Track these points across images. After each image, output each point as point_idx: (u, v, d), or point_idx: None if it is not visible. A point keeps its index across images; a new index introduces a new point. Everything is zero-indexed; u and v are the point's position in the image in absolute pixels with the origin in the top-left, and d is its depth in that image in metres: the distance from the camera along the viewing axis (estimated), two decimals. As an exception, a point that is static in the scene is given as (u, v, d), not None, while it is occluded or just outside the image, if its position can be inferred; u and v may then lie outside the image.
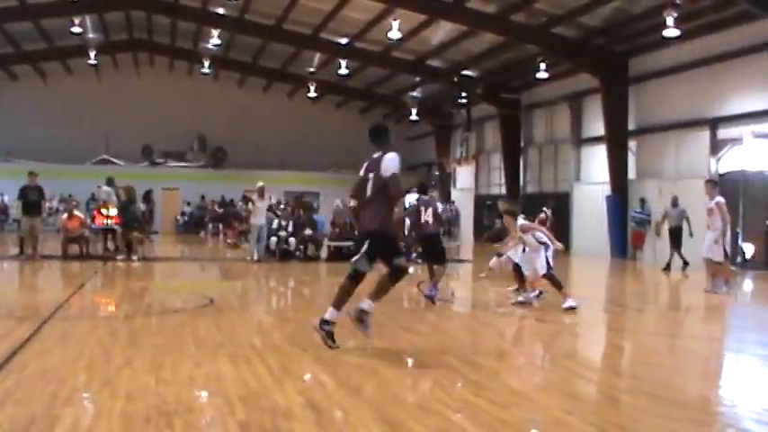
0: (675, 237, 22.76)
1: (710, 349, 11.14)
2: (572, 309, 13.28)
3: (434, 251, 15.07)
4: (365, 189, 9.27)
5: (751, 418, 6.88)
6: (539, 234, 13.99)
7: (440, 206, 15.21)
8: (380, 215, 9.25)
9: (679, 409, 7.17)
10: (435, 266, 14.74)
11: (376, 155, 9.26)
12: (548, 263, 13.80)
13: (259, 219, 23.51)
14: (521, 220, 14.25)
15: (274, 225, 24.30)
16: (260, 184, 24.13)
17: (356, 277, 9.60)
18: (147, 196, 38.58)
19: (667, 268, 22.76)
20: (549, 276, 13.87)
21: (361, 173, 9.47)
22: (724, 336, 12.67)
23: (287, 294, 17.68)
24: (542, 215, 23.04)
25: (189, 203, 44.18)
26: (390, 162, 9.02)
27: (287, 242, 24.00)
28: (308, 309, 14.06)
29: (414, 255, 21.67)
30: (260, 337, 10.52)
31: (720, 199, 16.30)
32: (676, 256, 22.98)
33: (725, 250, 16.25)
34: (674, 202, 22.71)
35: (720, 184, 23.90)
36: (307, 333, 10.86)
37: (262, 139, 44.79)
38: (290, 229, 24.29)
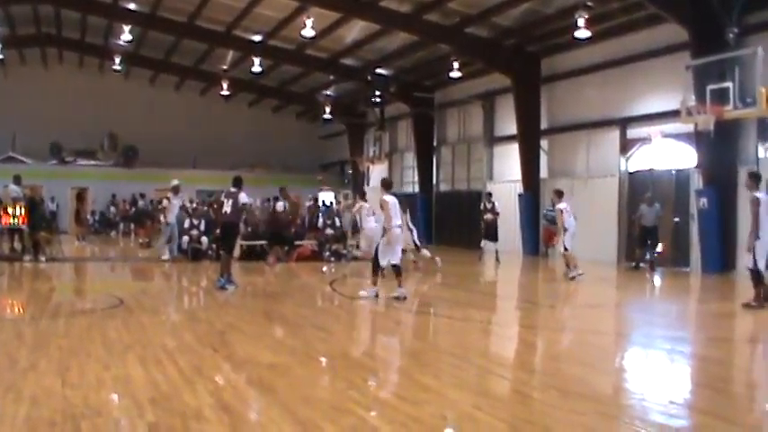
0: (650, 236, 22.78)
1: (619, 344, 11.34)
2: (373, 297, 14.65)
3: (227, 239, 16.64)
4: None
5: (658, 411, 7.02)
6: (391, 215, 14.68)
7: (244, 198, 16.05)
8: None
9: (588, 403, 7.28)
10: (223, 254, 16.81)
11: None
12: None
13: (173, 217, 23.29)
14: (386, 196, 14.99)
15: (186, 224, 23.99)
16: (175, 182, 23.89)
17: None
18: (81, 195, 37.93)
19: (651, 268, 22.83)
20: (394, 266, 14.74)
21: None
22: (632, 331, 12.90)
23: (199, 294, 17.41)
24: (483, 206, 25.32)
25: (114, 202, 43.21)
26: None
27: (199, 241, 23.73)
28: (219, 309, 13.92)
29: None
30: (171, 337, 10.36)
31: (562, 205, 19.92)
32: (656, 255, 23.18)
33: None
34: (650, 202, 22.76)
35: (629, 182, 24.53)
36: (217, 333, 10.79)
37: (174, 138, 44.02)
38: (201, 228, 24.01)
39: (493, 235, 25.17)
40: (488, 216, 25.21)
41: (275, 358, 9.07)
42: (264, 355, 9.21)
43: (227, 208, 16.34)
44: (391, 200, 14.79)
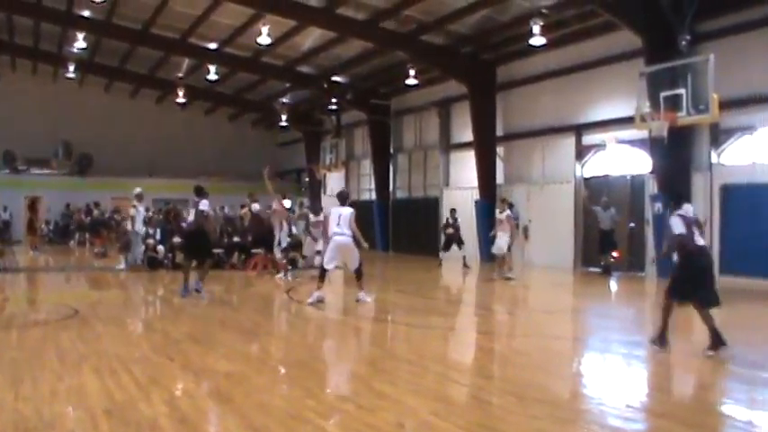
0: (607, 240, 23.04)
1: (576, 349, 11.43)
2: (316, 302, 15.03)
3: (195, 248, 16.81)
4: None
5: (615, 415, 7.08)
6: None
7: (205, 205, 16.37)
8: None
9: (545, 408, 7.33)
10: (200, 262, 16.85)
11: None
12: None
13: (139, 225, 23.10)
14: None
15: (142, 233, 23.79)
16: (138, 189, 23.69)
17: None
18: (34, 205, 37.44)
19: (606, 272, 23.07)
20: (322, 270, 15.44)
21: None
22: (589, 336, 13.01)
23: (155, 304, 17.29)
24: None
25: (69, 211, 42.65)
26: None
27: (155, 250, 23.55)
28: (175, 318, 13.84)
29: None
30: (126, 347, 10.23)
31: (509, 212, 21.86)
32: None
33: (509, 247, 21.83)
34: (605, 206, 22.92)
35: (585, 187, 24.68)
36: (174, 342, 10.71)
37: (129, 146, 43.89)
38: (157, 236, 23.85)
39: (457, 241, 25.57)
40: (450, 231, 25.59)
41: (231, 367, 9.02)
42: (221, 364, 9.16)
43: (191, 217, 16.63)
44: (333, 211, 15.55)
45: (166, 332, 11.80)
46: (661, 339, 10.28)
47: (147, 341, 10.92)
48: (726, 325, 10.13)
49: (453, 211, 26.26)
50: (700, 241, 10.30)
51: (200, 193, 16.66)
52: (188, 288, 16.22)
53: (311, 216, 23.00)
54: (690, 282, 10.18)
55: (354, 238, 15.23)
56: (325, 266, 15.29)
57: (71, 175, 44.23)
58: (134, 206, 23.39)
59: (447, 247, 25.75)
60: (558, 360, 10.36)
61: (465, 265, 25.10)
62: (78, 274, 23.90)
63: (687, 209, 13.97)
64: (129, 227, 23.52)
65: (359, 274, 15.50)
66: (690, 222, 10.32)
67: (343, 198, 15.99)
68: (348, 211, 15.33)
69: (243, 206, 25.19)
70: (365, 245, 15.87)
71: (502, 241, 21.53)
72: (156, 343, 10.74)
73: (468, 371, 9.74)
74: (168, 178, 42.56)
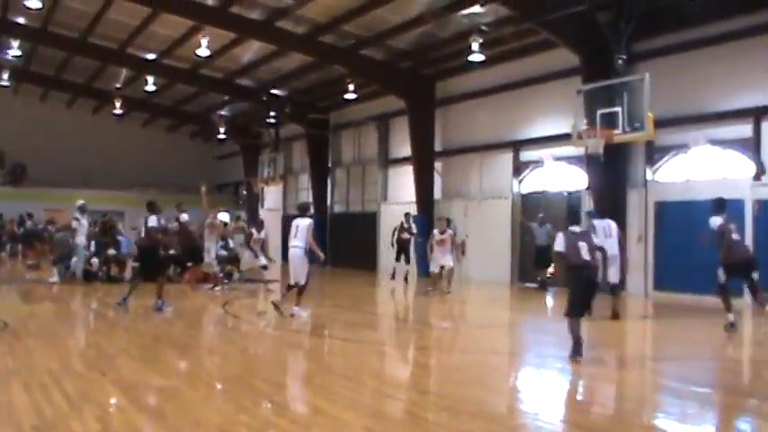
0: (543, 256, 23.01)
1: (512, 364, 11.49)
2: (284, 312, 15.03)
3: (146, 263, 16.79)
4: None
5: (550, 430, 7.14)
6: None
7: (153, 221, 16.28)
8: None
9: (480, 423, 7.34)
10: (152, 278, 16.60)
11: None
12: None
13: (82, 238, 22.76)
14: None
15: (82, 245, 23.41)
16: (80, 201, 23.35)
17: None
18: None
19: (542, 287, 23.07)
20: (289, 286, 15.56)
21: None
22: (525, 351, 13.09)
23: (89, 317, 17.01)
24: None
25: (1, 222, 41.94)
26: None
27: (90, 263, 23.21)
28: (109, 332, 13.65)
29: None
30: (58, 362, 10.03)
31: (451, 231, 22.29)
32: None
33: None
34: (541, 222, 23.08)
35: (522, 203, 24.92)
36: (107, 357, 10.57)
37: (64, 156, 43.21)
38: (92, 249, 23.51)
39: (406, 255, 25.46)
40: (405, 235, 25.43)
41: (165, 382, 8.93)
42: (154, 379, 9.05)
43: (142, 233, 16.51)
44: (293, 223, 15.61)
45: (100, 346, 11.64)
46: (577, 353, 10.57)
47: (79, 356, 10.75)
48: (658, 339, 10.27)
49: (408, 215, 26.11)
50: (586, 256, 10.83)
51: (151, 208, 16.55)
52: (127, 300, 16.02)
53: (254, 232, 23.04)
54: (581, 295, 11.04)
55: (309, 250, 15.23)
56: (291, 283, 15.34)
57: (4, 185, 43.48)
58: (76, 218, 23.05)
59: (399, 257, 25.56)
60: (494, 375, 10.41)
61: (405, 280, 25.05)
62: (9, 286, 23.42)
63: (602, 223, 14.71)
64: (70, 239, 23.19)
65: (302, 289, 15.39)
66: (576, 239, 10.92)
67: (302, 209, 16.30)
68: (306, 222, 15.31)
69: (177, 219, 25.02)
70: (321, 256, 15.97)
71: (446, 260, 21.43)
72: (89, 357, 10.58)
73: (403, 386, 9.73)
74: (104, 190, 42.05)
